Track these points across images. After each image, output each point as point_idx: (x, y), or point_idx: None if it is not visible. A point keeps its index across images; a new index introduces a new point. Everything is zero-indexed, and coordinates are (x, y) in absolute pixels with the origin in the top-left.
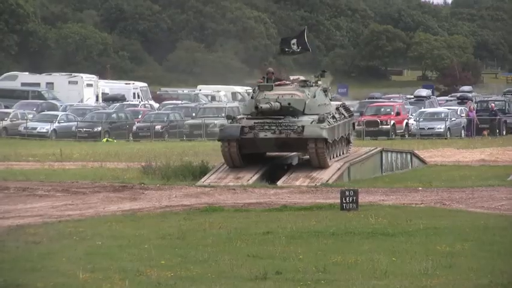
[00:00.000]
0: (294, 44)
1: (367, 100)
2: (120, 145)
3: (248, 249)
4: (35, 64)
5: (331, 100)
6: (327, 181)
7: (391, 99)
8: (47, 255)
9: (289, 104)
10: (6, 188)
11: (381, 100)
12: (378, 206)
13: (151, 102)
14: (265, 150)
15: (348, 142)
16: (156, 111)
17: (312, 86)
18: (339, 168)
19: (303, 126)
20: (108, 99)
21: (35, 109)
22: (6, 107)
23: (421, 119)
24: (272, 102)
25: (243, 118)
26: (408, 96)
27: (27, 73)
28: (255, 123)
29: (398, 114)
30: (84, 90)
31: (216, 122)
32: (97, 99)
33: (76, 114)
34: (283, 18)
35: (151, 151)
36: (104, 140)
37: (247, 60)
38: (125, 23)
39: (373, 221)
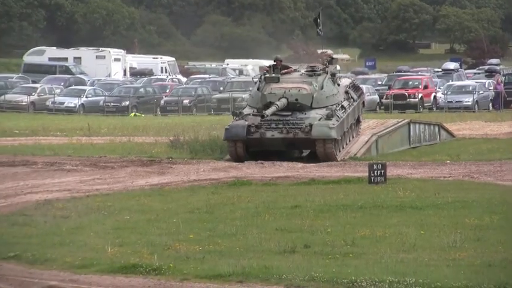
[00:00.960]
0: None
1: (395, 73)
2: (148, 119)
3: (276, 223)
4: (63, 39)
5: (339, 82)
6: (355, 154)
7: (419, 73)
8: (75, 229)
9: (296, 100)
10: (35, 162)
11: (408, 73)
12: (406, 179)
13: (179, 76)
14: (272, 148)
15: (358, 122)
16: (184, 86)
17: (319, 74)
18: (366, 141)
19: (310, 125)
20: (136, 73)
21: (62, 84)
22: (33, 82)
23: (449, 92)
24: (278, 103)
25: (249, 114)
26: (436, 69)
27: (54, 48)
28: (261, 121)
29: (426, 87)
30: (111, 65)
31: (243, 96)
32: (125, 74)
33: (104, 88)
34: None
35: (179, 125)
36: (132, 114)
37: (274, 34)
38: None
39: (401, 194)
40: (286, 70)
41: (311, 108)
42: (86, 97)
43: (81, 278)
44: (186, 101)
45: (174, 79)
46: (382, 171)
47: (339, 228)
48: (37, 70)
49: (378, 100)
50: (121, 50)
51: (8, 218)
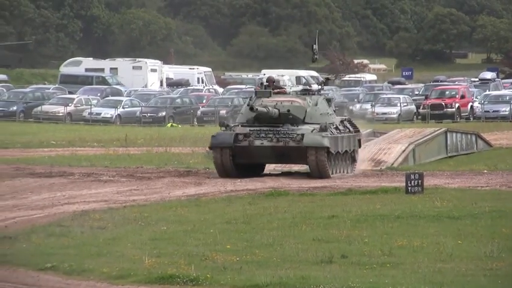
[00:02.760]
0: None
1: (431, 83)
2: (185, 130)
3: (313, 233)
4: (99, 50)
5: (335, 111)
6: (392, 164)
7: (456, 82)
8: (112, 240)
9: (288, 111)
10: (71, 173)
11: (445, 83)
12: (443, 189)
13: (216, 87)
14: (261, 160)
15: (353, 160)
16: (221, 96)
17: (314, 94)
18: (403, 150)
19: (302, 135)
20: (172, 84)
21: (99, 94)
22: (70, 93)
23: (486, 102)
24: (270, 108)
25: (238, 125)
26: (473, 79)
27: (91, 59)
28: (250, 130)
29: (463, 97)
30: (148, 75)
31: None
32: (161, 84)
33: (140, 99)
34: (347, 2)
35: None
36: (169, 125)
37: (311, 44)
38: (188, 8)
39: (439, 204)
40: (278, 90)
41: (304, 122)
42: (123, 108)
43: None
44: (222, 112)
45: (211, 89)
46: (420, 181)
47: (376, 238)
48: (74, 81)
49: (415, 110)
50: (157, 61)
51: (45, 229)
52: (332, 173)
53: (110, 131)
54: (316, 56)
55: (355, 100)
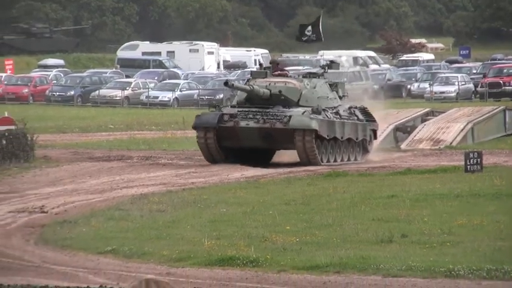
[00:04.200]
0: (309, 31)
1: (489, 62)
2: None
3: (373, 213)
4: (156, 33)
5: (342, 97)
6: (451, 143)
7: None
8: (171, 223)
9: (280, 91)
10: (130, 157)
11: (503, 61)
12: (502, 167)
13: None
14: (247, 143)
15: (365, 150)
16: None
17: (315, 77)
18: (462, 129)
19: (290, 116)
20: (230, 66)
21: (156, 78)
22: (127, 77)
23: None
24: (254, 86)
25: (227, 106)
26: None
27: (148, 42)
28: (238, 111)
29: None
30: (205, 58)
31: None
32: (218, 67)
33: (197, 82)
34: None
35: None
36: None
37: (368, 24)
38: None
39: (498, 182)
40: (279, 72)
41: (298, 105)
42: (180, 91)
43: (178, 271)
44: None
45: None
46: (479, 159)
47: (436, 217)
48: (131, 65)
49: (473, 89)
50: (214, 43)
51: (105, 213)
52: (328, 161)
53: (168, 114)
54: (311, 37)
55: (413, 79)
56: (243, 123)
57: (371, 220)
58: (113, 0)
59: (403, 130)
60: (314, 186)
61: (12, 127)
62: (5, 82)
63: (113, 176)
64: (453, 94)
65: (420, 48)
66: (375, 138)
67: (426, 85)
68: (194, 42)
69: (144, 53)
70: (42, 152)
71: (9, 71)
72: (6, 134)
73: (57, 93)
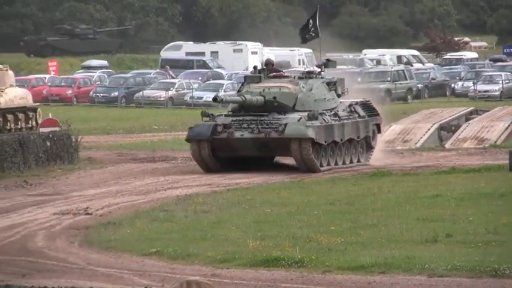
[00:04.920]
0: (311, 25)
1: None
2: None
3: (418, 213)
4: (199, 33)
5: (341, 94)
6: (495, 142)
7: None
8: (216, 224)
9: (274, 98)
10: (174, 158)
11: None
12: None
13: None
14: (243, 153)
15: (369, 147)
16: None
17: (312, 77)
18: (506, 128)
19: (286, 125)
20: None
21: (200, 78)
22: (171, 77)
23: None
24: (246, 96)
25: (221, 115)
26: None
27: (191, 43)
28: (232, 121)
29: None
30: (249, 58)
31: (381, 86)
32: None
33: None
34: None
35: None
36: None
37: (412, 23)
38: None
39: None
40: (275, 74)
41: (294, 110)
42: (224, 91)
43: (223, 272)
44: None
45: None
46: None
47: (481, 217)
48: (174, 65)
49: None
50: (258, 43)
51: (149, 214)
52: (329, 164)
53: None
54: (312, 33)
55: (457, 78)
56: (237, 134)
57: (416, 220)
58: (156, 0)
59: (448, 129)
60: (359, 186)
61: (57, 129)
62: (49, 83)
63: (157, 177)
64: (497, 93)
65: (464, 46)
66: (379, 132)
67: (470, 84)
68: (238, 42)
69: (187, 54)
70: (86, 154)
71: (53, 73)
72: (51, 135)
73: (101, 95)
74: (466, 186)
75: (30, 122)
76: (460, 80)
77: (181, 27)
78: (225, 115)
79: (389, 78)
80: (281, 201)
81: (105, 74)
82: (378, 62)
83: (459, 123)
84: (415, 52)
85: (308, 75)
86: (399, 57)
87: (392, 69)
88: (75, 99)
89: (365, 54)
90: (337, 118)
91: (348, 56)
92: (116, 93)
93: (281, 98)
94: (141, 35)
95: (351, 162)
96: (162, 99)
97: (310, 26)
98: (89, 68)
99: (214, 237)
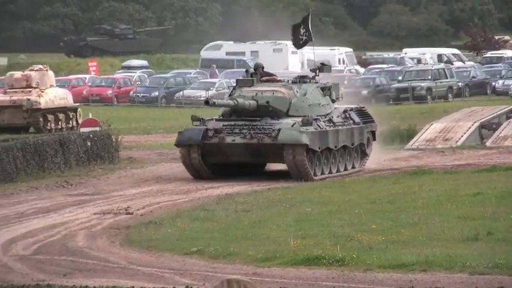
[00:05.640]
0: (302, 34)
1: None
2: None
3: (458, 211)
4: (239, 33)
5: (335, 100)
6: None
7: None
8: (257, 223)
9: (267, 102)
10: None
11: None
12: None
13: (357, 67)
14: (235, 159)
15: (364, 154)
16: (362, 76)
17: (306, 82)
18: None
19: (279, 130)
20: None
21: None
22: (217, 76)
23: None
24: (239, 100)
25: (212, 119)
26: None
27: (231, 42)
28: (223, 125)
29: None
30: (289, 58)
31: (422, 84)
32: (302, 66)
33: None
34: None
35: None
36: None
37: (452, 22)
38: None
39: None
40: (267, 78)
41: (288, 115)
42: None
43: (265, 271)
44: (364, 92)
45: (352, 70)
46: None
47: None
48: (214, 65)
49: None
50: None
51: (190, 213)
52: (323, 173)
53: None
54: (303, 36)
55: (497, 76)
56: (228, 139)
57: (457, 218)
58: (196, 0)
59: (488, 127)
60: (399, 185)
61: (97, 128)
62: (89, 84)
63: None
64: None
65: (504, 44)
66: (374, 139)
67: (511, 82)
68: (278, 41)
69: (228, 53)
70: (126, 153)
71: (93, 73)
72: (91, 135)
73: (141, 94)
74: (507, 184)
75: (70, 122)
76: (501, 78)
77: (221, 27)
78: (216, 119)
79: (429, 77)
80: (322, 200)
81: (145, 74)
82: (419, 61)
83: (500, 121)
84: (456, 51)
85: (302, 79)
86: (440, 56)
87: (433, 68)
88: (115, 99)
89: (405, 53)
90: (331, 124)
91: (388, 55)
92: (156, 93)
93: (274, 103)
94: (181, 35)
95: (345, 169)
96: (202, 98)
97: (303, 31)
98: (129, 68)
99: (255, 236)
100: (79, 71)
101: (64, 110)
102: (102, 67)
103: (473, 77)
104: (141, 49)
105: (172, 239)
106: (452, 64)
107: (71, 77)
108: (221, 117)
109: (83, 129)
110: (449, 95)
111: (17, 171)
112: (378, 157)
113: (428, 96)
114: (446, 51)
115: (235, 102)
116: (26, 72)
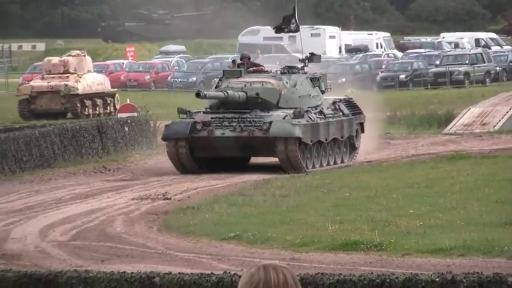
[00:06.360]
0: (293, 23)
1: None
2: (364, 96)
3: (496, 196)
4: (277, 18)
5: (324, 91)
6: None
7: None
8: (295, 207)
9: (257, 94)
10: None
11: None
12: None
13: (395, 51)
14: (224, 153)
15: (353, 148)
16: (400, 61)
17: (295, 72)
18: None
19: (270, 123)
20: (351, 50)
21: (278, 63)
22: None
23: None
24: (229, 92)
25: (199, 112)
26: None
27: (269, 27)
28: (212, 118)
29: None
30: (326, 42)
31: (460, 69)
32: (340, 51)
33: (319, 66)
34: None
35: (396, 101)
36: (349, 91)
37: (490, 6)
38: None
39: None
40: (255, 68)
41: (278, 107)
42: None
43: (302, 256)
44: (402, 76)
45: (390, 54)
46: None
47: None
48: (252, 50)
49: None
50: (336, 27)
51: (228, 199)
52: (314, 166)
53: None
54: (293, 25)
55: None
56: (218, 133)
57: (494, 202)
58: None
59: None
60: (437, 169)
61: (135, 114)
62: (127, 69)
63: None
64: None
65: None
66: (362, 131)
67: None
68: (316, 26)
69: (265, 38)
70: None
71: (130, 58)
72: (129, 121)
73: (179, 80)
74: None
75: (108, 108)
76: None
77: (258, 12)
78: (204, 112)
79: (467, 61)
80: (360, 184)
81: (183, 60)
82: (456, 45)
83: None
84: (493, 35)
85: (290, 70)
86: (477, 40)
87: (471, 52)
88: (153, 84)
89: (443, 38)
90: (322, 116)
91: (426, 39)
92: (194, 79)
93: (264, 94)
94: (218, 20)
95: (335, 163)
96: None
97: (293, 22)
98: (167, 53)
99: (293, 221)
100: (116, 56)
101: (102, 95)
102: (140, 52)
103: (511, 62)
104: (179, 34)
105: (210, 225)
106: (489, 48)
107: (109, 62)
108: (209, 110)
109: (120, 115)
110: (487, 80)
111: (54, 157)
112: (415, 142)
113: (466, 81)
114: (483, 35)
115: (225, 94)
116: (64, 57)
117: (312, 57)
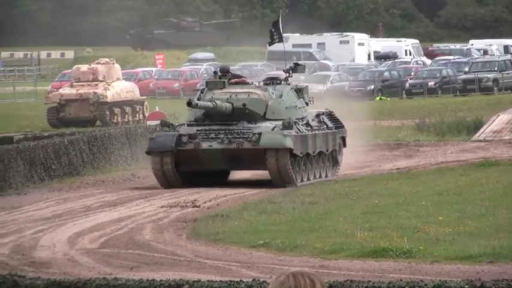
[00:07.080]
0: (275, 38)
1: None
2: (393, 103)
3: None
4: (305, 25)
5: (308, 103)
6: None
7: None
8: (324, 215)
9: (244, 105)
10: None
11: None
12: None
13: (423, 58)
14: (211, 166)
15: (336, 162)
16: (429, 68)
17: (279, 83)
18: None
19: (259, 134)
20: (380, 57)
21: (307, 70)
22: (277, 70)
23: None
24: (217, 102)
25: (183, 124)
26: None
27: (298, 34)
28: (197, 130)
29: None
30: (355, 50)
31: (489, 76)
32: (369, 58)
33: (348, 73)
34: None
35: (425, 108)
36: (377, 98)
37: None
38: None
39: None
40: (236, 80)
41: (265, 119)
42: (331, 83)
43: (331, 263)
44: (431, 83)
45: (419, 61)
46: None
47: None
48: (281, 57)
49: None
50: (365, 35)
51: (257, 206)
52: (302, 180)
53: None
54: (275, 38)
55: None
56: (204, 145)
57: None
58: None
59: None
60: (466, 177)
61: None
62: (156, 77)
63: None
64: None
65: None
66: (344, 146)
67: None
68: (344, 33)
69: (294, 45)
70: None
71: (159, 66)
72: (158, 128)
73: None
74: None
75: (137, 115)
76: None
77: (287, 19)
78: (188, 125)
79: (496, 68)
80: (389, 192)
81: (211, 67)
82: (485, 52)
83: None
84: None
85: (273, 81)
86: (506, 47)
87: (500, 59)
88: (181, 92)
89: (472, 44)
90: (309, 128)
91: (455, 46)
92: None
93: (251, 105)
94: (247, 28)
95: (320, 176)
96: None
97: (275, 33)
98: (196, 60)
99: (322, 228)
100: (145, 64)
101: (130, 103)
102: (169, 60)
103: None
104: (208, 42)
105: (239, 232)
106: None
107: (138, 70)
108: (193, 122)
109: (149, 122)
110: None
111: (83, 164)
112: (444, 149)
113: (495, 88)
114: None
115: (214, 104)
116: (93, 65)
117: (296, 68)
